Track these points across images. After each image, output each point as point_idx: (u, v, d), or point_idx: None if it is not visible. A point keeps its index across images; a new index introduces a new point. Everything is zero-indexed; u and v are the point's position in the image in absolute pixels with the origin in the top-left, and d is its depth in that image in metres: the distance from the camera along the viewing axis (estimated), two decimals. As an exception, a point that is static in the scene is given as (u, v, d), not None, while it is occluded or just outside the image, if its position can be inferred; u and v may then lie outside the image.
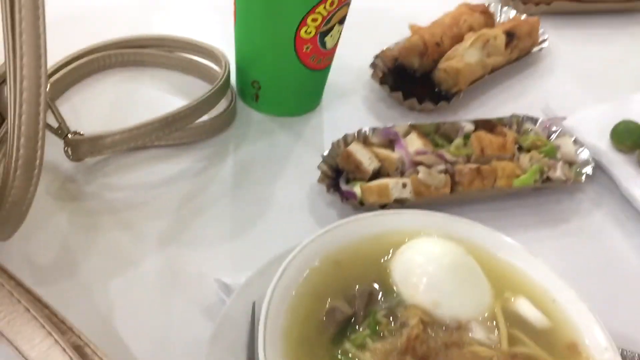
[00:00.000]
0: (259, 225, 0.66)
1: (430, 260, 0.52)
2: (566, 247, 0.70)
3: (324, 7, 0.68)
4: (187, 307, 0.58)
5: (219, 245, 0.63)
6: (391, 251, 0.54)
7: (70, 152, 0.66)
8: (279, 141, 0.76)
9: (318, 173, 0.70)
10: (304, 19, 0.68)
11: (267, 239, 0.64)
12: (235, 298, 0.54)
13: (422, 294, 0.50)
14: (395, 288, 0.51)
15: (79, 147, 0.65)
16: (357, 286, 0.51)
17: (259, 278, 0.55)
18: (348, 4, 0.72)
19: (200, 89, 0.77)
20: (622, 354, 0.55)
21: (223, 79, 0.74)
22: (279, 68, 0.74)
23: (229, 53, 0.79)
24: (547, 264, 0.54)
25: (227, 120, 0.76)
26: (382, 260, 0.53)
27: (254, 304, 0.53)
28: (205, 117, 0.73)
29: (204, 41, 0.82)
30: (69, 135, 0.65)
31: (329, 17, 0.69)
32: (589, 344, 0.49)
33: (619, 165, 0.77)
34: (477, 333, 0.49)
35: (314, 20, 0.69)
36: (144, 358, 0.53)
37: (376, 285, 0.51)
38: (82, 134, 0.65)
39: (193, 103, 0.69)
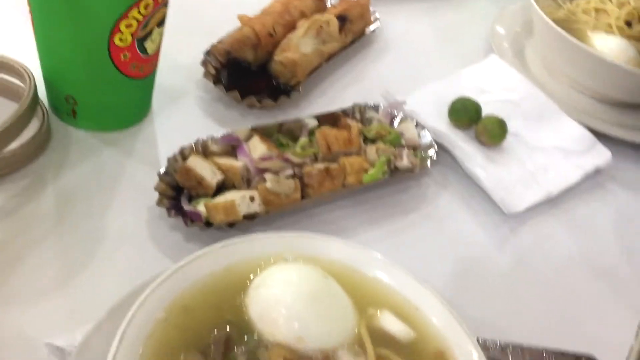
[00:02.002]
0: (93, 267, 0.58)
1: (287, 290, 0.48)
2: (419, 236, 0.70)
3: (138, 12, 0.60)
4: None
5: (45, 300, 0.54)
6: (246, 282, 0.49)
7: None
8: (106, 161, 0.68)
9: (156, 194, 0.63)
10: (115, 26, 0.60)
11: (105, 281, 0.57)
12: (72, 364, 0.47)
13: (283, 329, 0.46)
14: (254, 327, 0.46)
15: None
16: (213, 333, 0.45)
17: (97, 335, 0.48)
18: (166, 4, 0.64)
19: (2, 110, 0.66)
20: (484, 345, 0.56)
21: (30, 97, 0.64)
22: (95, 80, 0.65)
23: (35, 62, 0.68)
24: (404, 269, 0.52)
25: (40, 143, 0.66)
26: (236, 297, 0.48)
27: (94, 369, 0.46)
28: (14, 145, 0.62)
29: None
30: None
31: (145, 21, 0.62)
32: (455, 350, 0.48)
33: (459, 144, 0.78)
34: (345, 361, 0.46)
35: (128, 26, 0.60)
36: None
37: (232, 328, 0.46)
38: None
39: (-4, 130, 0.59)
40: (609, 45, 0.89)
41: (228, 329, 0.46)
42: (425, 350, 0.48)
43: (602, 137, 0.84)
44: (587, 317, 0.65)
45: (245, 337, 0.46)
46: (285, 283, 0.48)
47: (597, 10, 0.93)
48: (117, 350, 0.42)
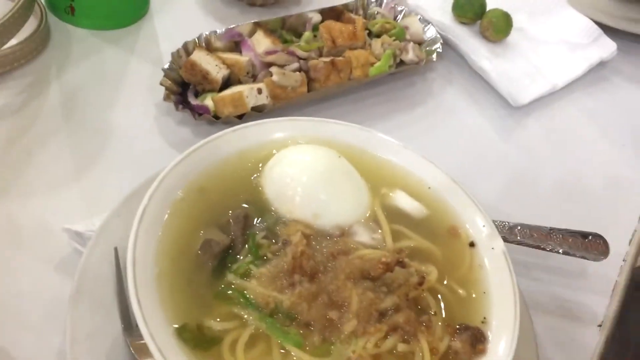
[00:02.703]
0: (105, 159, 0.58)
1: (302, 169, 0.48)
2: (426, 128, 0.70)
3: None
4: (36, 265, 0.50)
5: (60, 189, 0.54)
6: (260, 166, 0.49)
7: None
8: (108, 58, 0.67)
9: (162, 90, 0.62)
10: None
11: (116, 173, 0.57)
12: (93, 246, 0.47)
13: (299, 207, 0.47)
14: (270, 206, 0.47)
15: None
16: (230, 211, 0.46)
17: (116, 220, 0.49)
18: None
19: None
20: (493, 224, 0.57)
21: (25, -7, 0.62)
22: (94, -28, 0.63)
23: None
24: (416, 152, 0.53)
25: (40, 41, 0.65)
26: (251, 178, 0.49)
27: (115, 250, 0.47)
28: (12, 41, 0.61)
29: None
30: None
31: None
32: (467, 225, 0.49)
33: (464, 38, 0.77)
34: (361, 235, 0.47)
35: None
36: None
37: (250, 207, 0.47)
38: None
39: (-7, 26, 0.57)
40: None
41: (246, 208, 0.47)
42: (439, 225, 0.50)
43: (607, 30, 0.83)
44: (589, 204, 0.67)
45: (263, 215, 0.47)
46: (300, 162, 0.49)
47: None
48: (138, 229, 0.42)
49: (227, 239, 0.44)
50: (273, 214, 0.47)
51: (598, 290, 0.59)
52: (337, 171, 0.49)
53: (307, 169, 0.48)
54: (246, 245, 0.44)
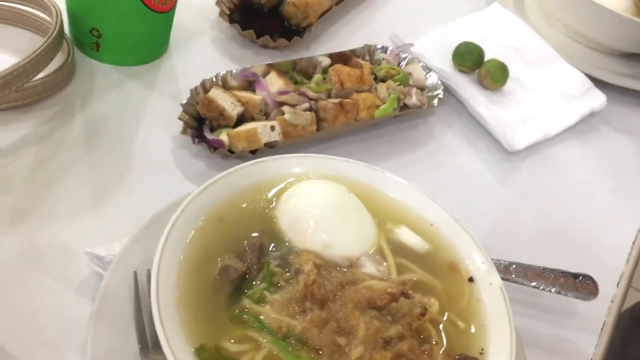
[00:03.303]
0: (124, 188, 0.61)
1: (314, 203, 0.52)
2: (427, 169, 0.74)
3: (164, -57, 0.62)
4: (58, 286, 0.53)
5: (82, 215, 0.58)
6: (274, 199, 0.53)
7: None
8: (129, 93, 0.70)
9: (179, 124, 0.66)
10: (144, -44, 0.62)
11: (134, 201, 0.60)
12: (114, 269, 0.50)
13: (311, 237, 0.50)
14: (284, 236, 0.50)
15: None
16: (246, 240, 0.49)
17: (135, 245, 0.52)
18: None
19: (28, 42, 0.68)
20: (489, 263, 0.60)
21: (57, 29, 0.66)
22: (121, 12, 0.67)
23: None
24: (421, 191, 0.56)
25: (66, 75, 0.69)
26: (266, 210, 0.52)
27: (135, 273, 0.50)
28: (41, 74, 0.65)
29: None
30: None
31: (171, -47, 0.64)
32: (467, 261, 0.53)
33: (464, 86, 0.82)
34: (368, 267, 0.50)
35: (154, -42, 0.63)
36: (18, 352, 0.48)
37: (265, 236, 0.50)
38: None
39: (27, 59, 0.61)
40: (606, -5, 0.93)
41: (261, 237, 0.50)
42: (440, 260, 0.53)
43: (597, 83, 0.88)
44: (585, 243, 0.70)
45: (277, 244, 0.50)
46: (313, 196, 0.52)
47: (596, -40, 0.96)
48: (162, 253, 0.45)
49: (243, 265, 0.47)
50: (286, 244, 0.50)
51: (588, 329, 0.62)
52: (346, 206, 0.53)
53: (319, 203, 0.52)
54: (261, 273, 0.47)
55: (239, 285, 0.46)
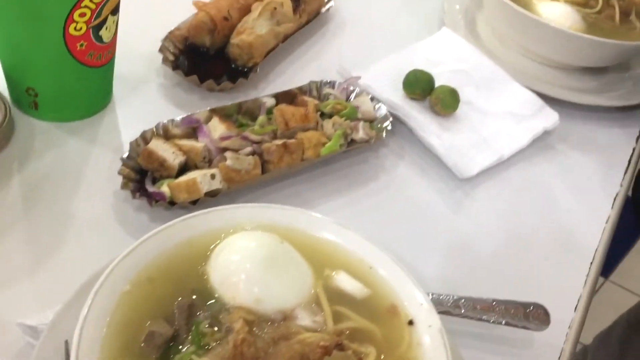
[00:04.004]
0: (62, 250, 0.60)
1: (245, 256, 0.51)
2: (378, 202, 0.73)
3: (90, 1, 0.62)
4: (-9, 360, 0.51)
5: (16, 283, 0.57)
6: (206, 255, 0.52)
7: None
8: (70, 150, 0.70)
9: (121, 178, 0.65)
10: (69, 15, 0.61)
11: (73, 264, 0.59)
12: (44, 340, 0.49)
13: (243, 293, 0.49)
14: (215, 293, 0.49)
15: None
16: (177, 301, 0.48)
17: (68, 312, 0.51)
18: (118, -8, 0.66)
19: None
20: (439, 300, 0.59)
21: (-10, 92, 0.66)
22: (54, 71, 0.67)
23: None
24: (358, 232, 0.55)
25: (4, 136, 0.68)
26: (198, 267, 0.51)
27: (66, 342, 0.49)
28: (-24, 138, 0.64)
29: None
30: None
31: (98, 9, 0.63)
32: (406, 303, 0.51)
33: (414, 115, 0.81)
34: (303, 319, 0.49)
35: (82, 15, 0.62)
36: None
37: (196, 295, 0.49)
38: None
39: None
40: (554, 11, 0.93)
41: (192, 297, 0.49)
42: (379, 305, 0.52)
43: (550, 100, 0.87)
44: (538, 270, 0.69)
45: (208, 303, 0.49)
46: (244, 249, 0.51)
47: (542, -22, 0.97)
48: (84, 321, 0.44)
49: (170, 329, 0.46)
50: (218, 302, 0.49)
51: (545, 359, 0.61)
52: (279, 256, 0.52)
53: (250, 256, 0.51)
54: (189, 335, 0.46)
55: (166, 350, 0.45)
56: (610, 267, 1.95)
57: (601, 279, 1.87)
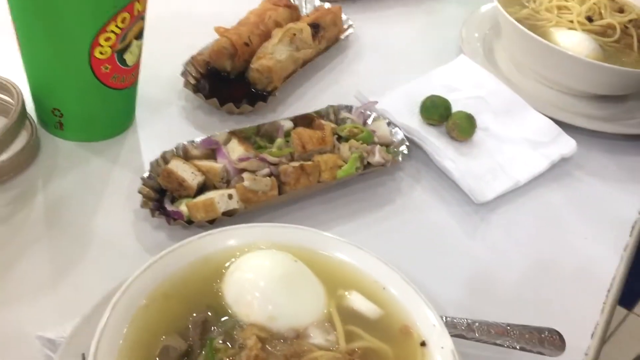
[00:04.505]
0: (82, 266, 0.61)
1: (260, 275, 0.51)
2: (394, 225, 0.74)
3: (116, 26, 0.64)
4: (10, 372, 0.53)
5: (38, 297, 0.58)
6: (221, 273, 0.53)
7: None
8: (92, 169, 0.72)
9: (140, 197, 0.67)
10: (94, 39, 0.64)
11: (93, 279, 0.60)
12: (62, 353, 0.50)
13: (256, 310, 0.49)
14: (229, 310, 0.50)
15: None
16: (191, 317, 0.49)
17: (86, 326, 0.52)
18: (143, 18, 0.68)
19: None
20: (452, 323, 0.59)
21: (18, 112, 0.68)
22: (79, 93, 0.69)
23: (22, 78, 0.72)
24: (371, 253, 0.56)
25: (30, 154, 0.70)
26: (213, 284, 0.52)
27: (83, 356, 0.50)
28: (3, 156, 0.66)
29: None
30: None
31: (123, 34, 0.66)
32: (419, 324, 0.52)
33: (430, 139, 0.82)
34: (316, 338, 0.49)
35: (107, 39, 0.64)
36: None
37: (211, 312, 0.50)
38: None
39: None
40: (571, 40, 0.93)
41: (206, 313, 0.50)
42: (391, 325, 0.52)
43: (568, 127, 0.88)
44: (553, 297, 0.69)
45: (222, 319, 0.49)
46: (258, 268, 0.52)
47: (559, 7, 0.98)
48: (101, 334, 0.45)
49: (184, 344, 0.47)
50: (232, 319, 0.49)
51: (561, 385, 0.60)
52: (293, 275, 0.52)
53: (264, 274, 0.51)
54: (203, 350, 0.47)
55: (181, 365, 0.46)
56: (634, 299, 1.92)
57: (625, 311, 1.83)
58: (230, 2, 1.01)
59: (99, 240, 0.64)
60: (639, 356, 1.30)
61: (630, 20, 0.97)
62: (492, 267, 0.71)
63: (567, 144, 0.85)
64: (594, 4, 0.96)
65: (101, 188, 0.70)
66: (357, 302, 0.53)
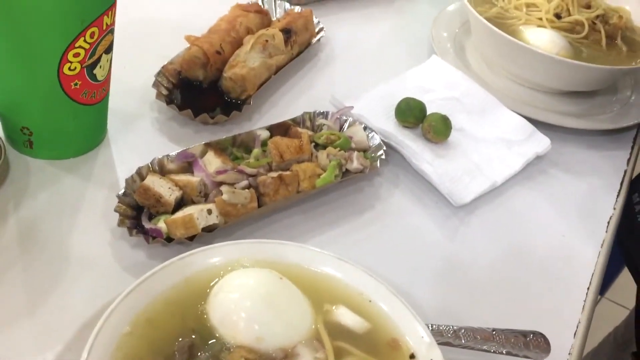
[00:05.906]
0: (60, 290, 0.60)
1: (245, 294, 0.51)
2: (374, 232, 0.74)
3: (84, 41, 0.62)
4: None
5: (15, 325, 0.56)
6: (207, 292, 0.52)
7: None
8: (65, 188, 0.70)
9: (117, 215, 0.65)
10: (63, 56, 0.62)
11: (72, 303, 0.59)
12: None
13: (243, 331, 0.49)
14: (215, 332, 0.49)
15: None
16: (177, 342, 0.48)
17: (68, 354, 0.51)
18: (111, 32, 0.66)
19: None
20: (438, 331, 0.59)
21: (-16, 132, 0.66)
22: (48, 110, 0.67)
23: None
24: (356, 265, 0.56)
25: (-1, 176, 0.68)
26: (198, 306, 0.51)
27: (67, 387, 0.49)
28: (-29, 179, 0.64)
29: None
30: None
31: (92, 49, 0.64)
32: (407, 337, 0.52)
33: (407, 143, 0.82)
34: (305, 356, 0.49)
35: (76, 55, 0.63)
36: None
37: (196, 335, 0.49)
38: None
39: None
40: (541, 37, 0.94)
41: (192, 337, 0.49)
42: (380, 339, 0.52)
43: (541, 125, 0.88)
44: (535, 296, 0.69)
45: (209, 342, 0.49)
46: (243, 287, 0.51)
47: (527, 5, 0.98)
48: (85, 366, 0.44)
49: (171, 371, 0.46)
50: (218, 341, 0.49)
51: (547, 386, 0.61)
52: (279, 293, 0.52)
53: (249, 293, 0.51)
54: (191, 376, 0.46)
55: (168, 392, 0.45)
56: (606, 286, 1.96)
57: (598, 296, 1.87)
58: (199, 8, 0.99)
59: (75, 262, 0.63)
60: (604, 341, 1.33)
61: (597, 16, 0.98)
62: (473, 269, 0.71)
63: (541, 142, 0.85)
64: (562, 1, 0.97)
65: (75, 207, 0.68)
66: (345, 316, 0.53)
